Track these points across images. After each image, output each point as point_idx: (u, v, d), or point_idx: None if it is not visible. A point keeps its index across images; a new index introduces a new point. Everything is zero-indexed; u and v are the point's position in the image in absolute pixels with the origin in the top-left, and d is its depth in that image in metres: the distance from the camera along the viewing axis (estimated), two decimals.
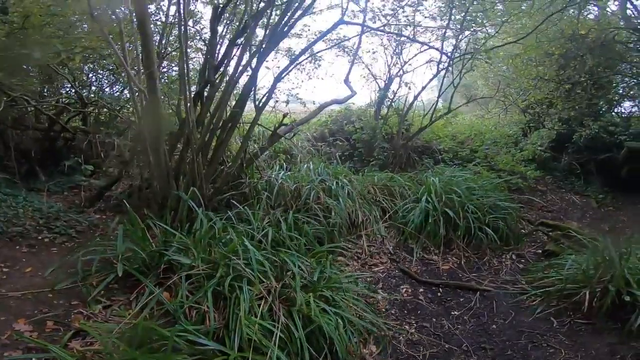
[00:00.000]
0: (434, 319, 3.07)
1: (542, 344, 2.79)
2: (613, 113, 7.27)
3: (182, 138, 3.31)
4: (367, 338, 2.63)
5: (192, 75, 4.16)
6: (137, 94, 2.92)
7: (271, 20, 3.67)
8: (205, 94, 3.43)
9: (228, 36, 3.68)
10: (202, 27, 4.47)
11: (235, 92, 3.72)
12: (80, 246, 2.77)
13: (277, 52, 4.96)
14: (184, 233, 2.73)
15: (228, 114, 3.53)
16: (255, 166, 4.09)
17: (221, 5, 3.50)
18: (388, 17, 5.22)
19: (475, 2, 5.44)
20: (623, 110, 7.57)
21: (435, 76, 6.47)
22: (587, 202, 5.97)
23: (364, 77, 6.91)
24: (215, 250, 2.51)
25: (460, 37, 6.01)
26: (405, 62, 6.43)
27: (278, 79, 3.76)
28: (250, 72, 3.40)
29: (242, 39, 3.52)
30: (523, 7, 5.85)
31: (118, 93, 5.06)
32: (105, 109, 4.72)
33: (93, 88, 4.89)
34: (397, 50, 6.37)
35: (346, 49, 5.96)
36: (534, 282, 3.54)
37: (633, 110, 7.46)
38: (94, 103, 4.66)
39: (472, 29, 5.99)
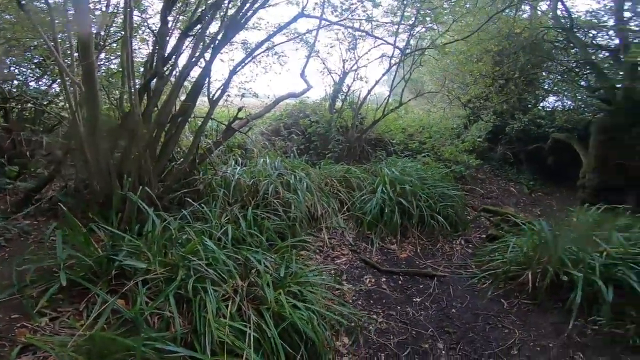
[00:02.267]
0: (399, 307, 3.23)
1: (498, 324, 3.05)
2: (540, 107, 8.22)
3: (126, 134, 3.10)
4: (338, 330, 2.71)
5: (136, 67, 3.86)
6: (70, 87, 2.67)
7: (228, 12, 3.55)
8: (153, 87, 3.23)
9: (179, 26, 3.49)
10: (148, 16, 4.19)
11: (187, 85, 3.55)
12: (11, 256, 2.48)
13: (232, 45, 4.80)
14: (134, 235, 2.59)
15: (178, 107, 3.37)
16: (209, 162, 3.96)
17: None
18: (346, 12, 5.32)
19: (425, 1, 5.75)
20: (548, 105, 8.60)
21: (387, 71, 6.76)
22: (520, 188, 6.73)
23: (320, 71, 6.99)
24: (173, 252, 2.41)
25: (411, 33, 6.34)
26: (360, 57, 6.62)
27: (233, 72, 3.67)
28: (203, 65, 3.26)
29: (195, 29, 3.36)
30: (467, 5, 6.28)
31: (45, 87, 4.54)
32: (30, 104, 4.21)
33: (15, 82, 4.32)
34: (351, 45, 6.53)
35: (303, 43, 5.97)
36: (482, 266, 3.87)
37: (557, 104, 8.49)
38: (17, 98, 4.14)
39: (422, 27, 6.34)
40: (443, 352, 2.73)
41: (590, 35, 6.55)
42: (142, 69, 3.66)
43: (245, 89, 5.19)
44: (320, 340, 2.31)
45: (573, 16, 6.34)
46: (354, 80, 6.74)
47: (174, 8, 3.31)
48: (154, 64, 3.17)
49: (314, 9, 5.23)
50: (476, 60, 7.35)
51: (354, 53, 6.55)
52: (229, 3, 3.50)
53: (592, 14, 6.44)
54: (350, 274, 3.65)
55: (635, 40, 5.34)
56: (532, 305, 3.21)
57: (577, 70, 7.00)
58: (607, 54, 6.27)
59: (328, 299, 2.79)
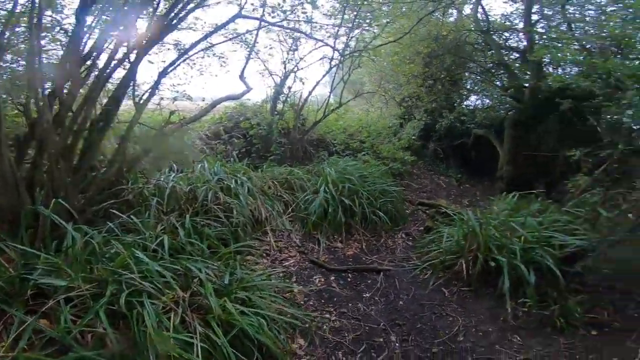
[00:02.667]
0: (350, 304, 3.30)
1: (442, 313, 3.26)
2: (464, 105, 9.08)
3: (35, 142, 2.77)
4: (293, 332, 2.71)
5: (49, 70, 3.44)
6: None
7: (158, 11, 3.34)
8: (66, 90, 2.92)
9: (99, 27, 3.20)
10: (64, 17, 3.77)
11: (111, 88, 3.27)
12: None
13: (164, 45, 4.51)
14: (51, 253, 2.35)
15: (98, 112, 3.09)
16: (140, 170, 3.70)
17: None
18: (287, 13, 5.33)
19: (365, 2, 5.98)
20: (471, 103, 9.53)
21: (327, 72, 6.94)
22: (449, 181, 7.37)
23: (260, 72, 6.90)
24: (99, 267, 2.23)
25: (350, 35, 6.56)
26: (301, 59, 6.67)
27: (163, 73, 3.48)
28: (127, 66, 3.04)
29: (118, 29, 3.10)
30: (404, 9, 6.67)
31: None
32: None
33: None
34: (292, 47, 6.54)
35: (243, 44, 5.84)
36: (422, 257, 4.13)
37: (477, 103, 9.44)
38: None
39: (361, 28, 6.59)
40: (396, 344, 2.85)
41: (504, 37, 7.44)
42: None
43: (178, 92, 4.94)
44: (274, 344, 2.31)
45: (490, 19, 7.14)
46: (295, 81, 6.80)
47: (95, 6, 3.02)
48: (67, 65, 2.87)
49: (254, 10, 5.19)
50: (408, 61, 7.88)
51: (294, 54, 6.61)
52: (158, 2, 3.31)
53: (506, 17, 7.30)
54: (300, 275, 3.67)
55: (540, 42, 6.18)
56: (469, 292, 3.47)
57: (493, 70, 7.87)
58: (517, 55, 7.16)
59: (279, 303, 2.78)
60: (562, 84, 4.91)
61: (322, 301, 3.31)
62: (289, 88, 6.63)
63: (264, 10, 5.26)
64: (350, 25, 6.34)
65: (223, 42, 5.08)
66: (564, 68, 5.93)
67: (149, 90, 3.39)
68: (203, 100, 4.75)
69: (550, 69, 6.34)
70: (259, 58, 6.32)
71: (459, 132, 7.84)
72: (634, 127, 3.70)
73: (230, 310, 2.23)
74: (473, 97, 9.56)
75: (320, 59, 6.83)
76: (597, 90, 3.93)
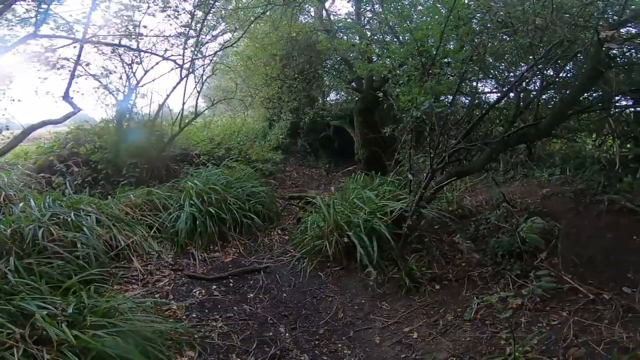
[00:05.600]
0: (235, 307, 3.43)
1: (322, 296, 3.66)
2: (326, 100, 10.12)
3: None
4: (179, 347, 2.74)
5: None
6: None
7: None
8: None
9: None
10: None
11: None
12: None
13: None
14: None
15: None
16: None
17: None
18: (119, 24, 5.02)
19: (213, 10, 6.07)
20: (332, 99, 10.67)
21: (179, 83, 6.80)
22: (319, 172, 8.22)
23: (95, 89, 6.31)
24: None
25: (199, 41, 6.49)
26: (146, 71, 6.36)
27: None
28: None
29: None
30: (265, 15, 6.96)
31: None
32: None
33: None
34: (137, 59, 6.19)
35: (64, 62, 5.23)
36: (297, 248, 4.55)
37: (336, 97, 10.63)
38: None
39: (212, 36, 6.67)
40: (286, 334, 3.12)
41: (346, 35, 8.51)
42: None
43: None
44: None
45: (335, 19, 8.10)
46: (144, 96, 6.49)
47: None
48: None
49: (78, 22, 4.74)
50: (265, 64, 8.35)
51: (140, 66, 6.27)
52: None
53: (349, 16, 8.40)
54: (178, 292, 3.68)
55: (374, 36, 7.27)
56: (341, 270, 3.96)
57: (341, 67, 8.97)
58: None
59: (156, 322, 2.78)
60: (386, 74, 5.99)
61: (206, 311, 3.38)
62: (133, 103, 6.31)
63: (88, 25, 4.93)
64: (196, 34, 6.38)
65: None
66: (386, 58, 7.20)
67: None
68: (7, 129, 4.18)
69: (379, 60, 7.59)
70: (91, 75, 5.80)
71: (321, 126, 8.78)
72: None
73: (83, 337, 2.24)
74: (333, 93, 10.79)
75: (172, 69, 6.66)
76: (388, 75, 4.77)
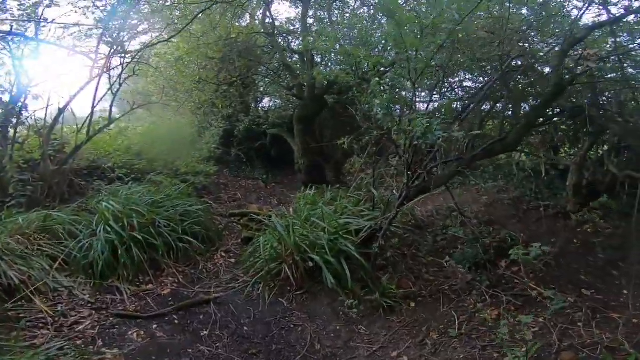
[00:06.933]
0: (190, 350, 2.90)
1: (289, 326, 3.23)
2: (259, 107, 9.62)
3: None
4: None
5: None
6: None
7: None
8: None
9: None
10: None
11: None
12: None
13: None
14: None
15: None
16: None
17: None
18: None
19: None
20: (265, 105, 10.20)
21: (88, 83, 5.68)
22: (257, 183, 7.71)
23: None
24: None
25: (117, 38, 5.59)
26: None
27: None
28: None
29: None
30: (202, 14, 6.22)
31: None
32: None
33: None
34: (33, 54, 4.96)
35: None
36: (249, 272, 4.01)
37: (271, 104, 10.20)
38: None
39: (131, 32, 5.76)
40: None
41: (288, 40, 8.23)
42: None
43: None
44: None
45: (277, 23, 7.72)
46: (38, 98, 5.23)
47: None
48: None
49: None
50: (198, 67, 7.56)
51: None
52: None
53: (290, 21, 8.10)
54: (107, 335, 2.99)
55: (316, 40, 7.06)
56: (304, 294, 3.57)
57: (280, 72, 8.61)
58: (297, 56, 8.07)
59: None
60: (330, 80, 5.81)
61: (153, 358, 2.79)
62: (25, 106, 5.09)
63: None
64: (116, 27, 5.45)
65: None
66: (329, 66, 7.11)
67: None
68: None
69: (322, 68, 7.48)
70: None
71: (257, 134, 8.29)
72: (379, 113, 4.38)
73: None
74: (266, 100, 10.32)
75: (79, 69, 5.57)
76: (352, 83, 4.60)
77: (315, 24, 7.71)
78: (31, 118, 5.27)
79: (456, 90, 4.84)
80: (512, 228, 3.64)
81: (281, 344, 3.09)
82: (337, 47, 5.58)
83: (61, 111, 5.43)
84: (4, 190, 4.53)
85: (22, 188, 4.64)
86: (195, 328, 3.24)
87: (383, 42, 5.03)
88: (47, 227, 3.98)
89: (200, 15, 6.11)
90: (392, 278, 3.54)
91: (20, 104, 5.15)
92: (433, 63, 3.33)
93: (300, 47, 7.67)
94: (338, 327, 3.25)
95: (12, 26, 4.67)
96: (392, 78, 3.48)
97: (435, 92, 3.84)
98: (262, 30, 7.75)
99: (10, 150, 4.79)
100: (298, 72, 7.50)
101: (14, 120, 5.11)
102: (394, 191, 3.83)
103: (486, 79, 3.78)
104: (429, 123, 2.58)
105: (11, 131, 5.02)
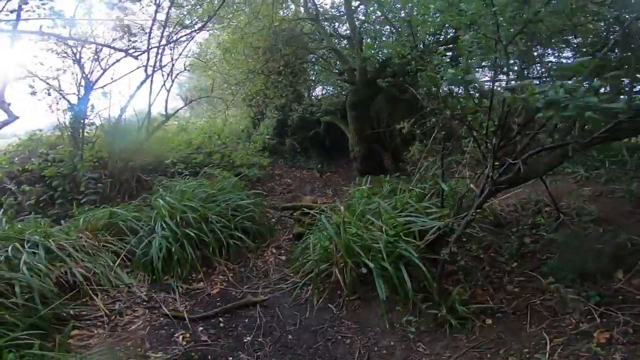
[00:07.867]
0: (231, 357, 2.77)
1: (337, 337, 2.93)
2: (312, 96, 9.32)
3: None
4: None
5: None
6: None
7: None
8: None
9: None
10: None
11: None
12: None
13: None
14: None
15: None
16: None
17: None
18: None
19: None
20: (318, 93, 9.88)
21: (143, 82, 5.90)
22: (312, 174, 7.45)
23: (46, 91, 5.34)
24: None
25: (163, 36, 5.72)
26: (104, 70, 5.44)
27: None
28: None
29: None
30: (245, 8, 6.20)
31: None
32: None
33: None
34: (96, 56, 5.29)
35: None
36: (299, 272, 3.74)
37: (323, 92, 9.84)
38: None
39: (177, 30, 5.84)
40: None
41: (333, 25, 7.81)
42: None
43: None
44: None
45: (320, 9, 7.34)
46: (104, 99, 5.54)
47: None
48: None
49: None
50: (245, 58, 7.49)
51: (99, 65, 5.33)
52: None
53: (335, 6, 7.68)
54: (155, 337, 2.98)
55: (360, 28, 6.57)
56: (356, 301, 3.21)
57: (328, 58, 8.20)
58: (345, 41, 7.61)
59: None
60: (382, 61, 5.25)
61: None
62: (92, 107, 5.39)
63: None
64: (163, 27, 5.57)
65: None
66: (381, 49, 6.51)
67: None
68: None
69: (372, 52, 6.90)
70: (34, 75, 4.86)
71: (311, 123, 8.02)
72: (449, 88, 3.57)
73: None
74: (319, 88, 10.01)
75: (136, 68, 5.76)
76: (412, 55, 3.78)
77: (361, 8, 7.14)
78: (98, 117, 5.60)
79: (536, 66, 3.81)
80: (632, 230, 2.82)
81: (325, 358, 2.79)
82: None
83: (123, 110, 5.69)
84: (77, 188, 4.85)
85: (93, 185, 4.94)
86: (239, 333, 3.11)
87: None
88: (112, 223, 4.14)
89: (238, 4, 5.96)
90: (463, 288, 2.99)
91: (87, 105, 5.48)
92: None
93: (347, 31, 7.19)
94: (392, 343, 2.82)
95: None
96: (470, 42, 2.61)
97: (523, 65, 2.93)
98: (306, 17, 7.41)
99: (81, 150, 5.11)
100: (347, 56, 7.04)
101: (83, 121, 5.46)
102: (471, 185, 3.16)
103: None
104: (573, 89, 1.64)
105: (81, 132, 5.38)
